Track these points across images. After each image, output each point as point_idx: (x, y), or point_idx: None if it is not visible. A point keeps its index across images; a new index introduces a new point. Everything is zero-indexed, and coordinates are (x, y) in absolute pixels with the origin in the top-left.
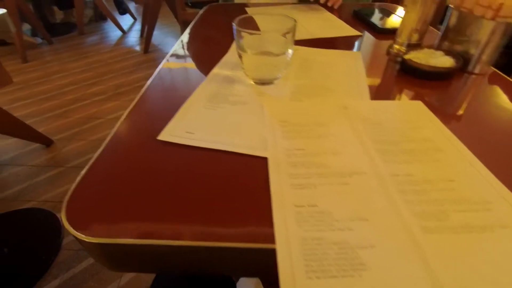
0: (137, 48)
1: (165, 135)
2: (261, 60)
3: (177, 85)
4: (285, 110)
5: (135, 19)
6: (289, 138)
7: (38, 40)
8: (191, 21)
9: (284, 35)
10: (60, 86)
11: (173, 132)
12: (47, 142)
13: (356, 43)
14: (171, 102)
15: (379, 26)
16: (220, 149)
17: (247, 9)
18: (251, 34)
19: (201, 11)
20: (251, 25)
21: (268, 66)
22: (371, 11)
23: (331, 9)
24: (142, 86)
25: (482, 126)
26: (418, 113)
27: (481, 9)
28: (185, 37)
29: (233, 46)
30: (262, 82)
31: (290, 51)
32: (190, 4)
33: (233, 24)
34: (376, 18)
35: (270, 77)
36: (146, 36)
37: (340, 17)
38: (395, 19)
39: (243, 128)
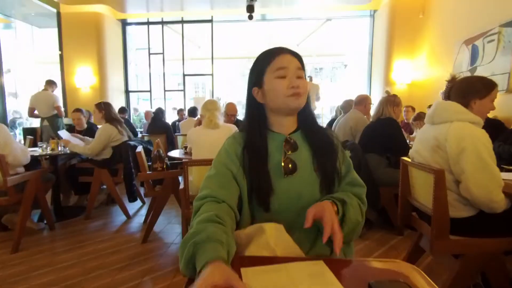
0: (138, 235)
1: None
2: None
3: None
4: None
5: (143, 202)
6: None
7: (42, 225)
8: None
9: None
10: None
11: None
12: None
13: None
14: None
15: None
16: None
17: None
18: None
19: None
20: None
21: None
22: None
23: (336, 269)
24: None
25: None
26: None
27: None
28: None
29: None
30: None
31: None
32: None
33: None
34: None
35: None
36: (147, 227)
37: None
38: None
39: None
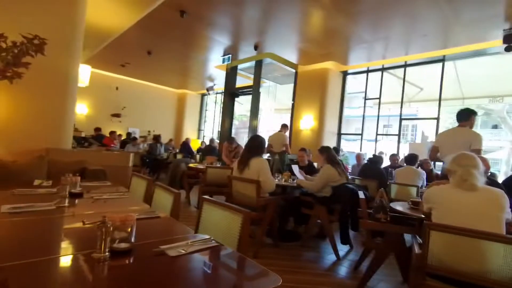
0: (348, 282)
1: None
2: None
3: None
4: None
5: (352, 247)
6: None
7: (268, 240)
8: None
9: None
10: None
11: None
12: None
13: None
14: None
15: None
16: None
17: None
18: None
19: None
20: None
21: None
22: None
23: None
24: None
25: None
26: None
27: None
28: None
29: None
30: None
31: None
32: None
33: None
34: None
35: None
36: (362, 279)
37: None
38: None
39: None
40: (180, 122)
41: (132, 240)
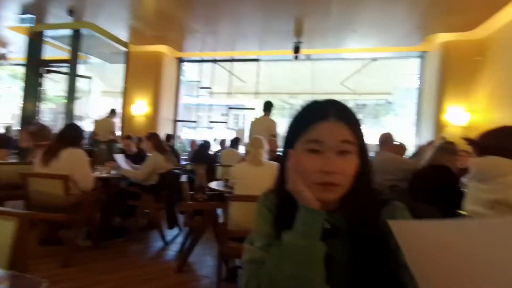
0: (173, 264)
1: None
2: None
3: None
4: None
5: (180, 230)
6: None
7: (87, 243)
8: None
9: None
10: None
11: None
12: None
13: None
14: None
15: None
16: None
17: None
18: None
19: None
20: None
21: None
22: None
23: None
24: None
25: None
26: None
27: None
28: None
29: None
30: None
31: None
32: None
33: None
34: None
35: None
36: (183, 257)
37: None
38: None
39: None
40: None
41: None
